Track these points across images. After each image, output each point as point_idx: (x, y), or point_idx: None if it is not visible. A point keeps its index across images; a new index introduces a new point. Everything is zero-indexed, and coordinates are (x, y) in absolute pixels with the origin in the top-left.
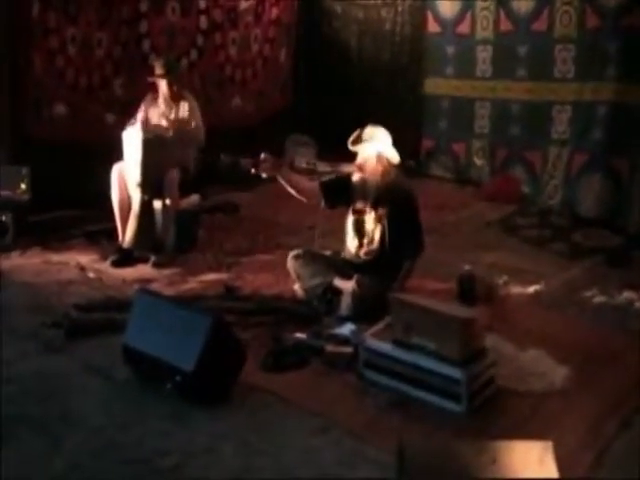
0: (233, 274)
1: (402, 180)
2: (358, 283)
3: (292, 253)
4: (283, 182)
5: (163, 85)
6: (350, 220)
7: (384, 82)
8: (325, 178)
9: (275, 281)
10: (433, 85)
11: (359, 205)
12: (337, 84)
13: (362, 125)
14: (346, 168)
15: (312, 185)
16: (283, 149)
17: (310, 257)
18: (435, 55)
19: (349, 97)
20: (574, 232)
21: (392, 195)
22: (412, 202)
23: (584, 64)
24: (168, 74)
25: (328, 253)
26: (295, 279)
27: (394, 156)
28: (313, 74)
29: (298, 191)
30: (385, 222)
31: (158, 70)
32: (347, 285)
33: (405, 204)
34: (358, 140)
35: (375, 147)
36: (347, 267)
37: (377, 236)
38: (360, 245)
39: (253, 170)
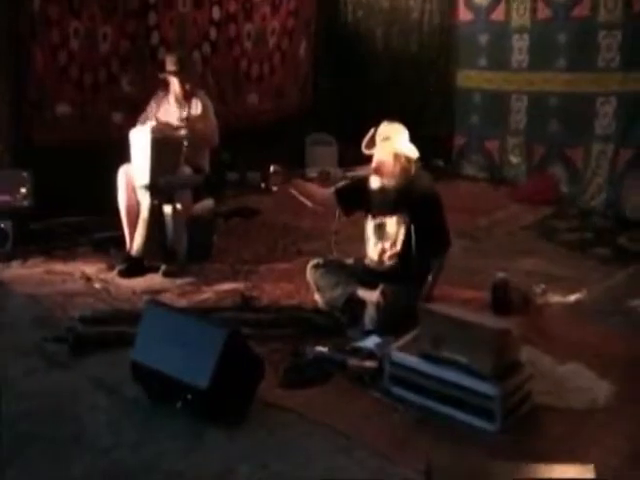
0: (250, 283)
1: (423, 178)
2: (383, 293)
3: (311, 263)
4: (296, 193)
5: (175, 83)
6: (370, 225)
7: (412, 75)
8: (340, 184)
9: (295, 290)
10: (465, 78)
11: (379, 210)
12: (361, 79)
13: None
14: (363, 171)
15: (326, 193)
16: (302, 149)
17: (331, 266)
18: (467, 45)
19: (374, 93)
20: (618, 235)
21: (413, 195)
22: (433, 199)
23: (630, 51)
24: (180, 71)
25: (350, 261)
26: (315, 290)
27: (412, 152)
28: (335, 69)
29: (312, 201)
30: (408, 223)
31: (169, 66)
32: (371, 296)
33: (426, 202)
34: (372, 143)
35: (391, 147)
36: (371, 276)
37: (400, 238)
38: (383, 250)
39: (263, 185)
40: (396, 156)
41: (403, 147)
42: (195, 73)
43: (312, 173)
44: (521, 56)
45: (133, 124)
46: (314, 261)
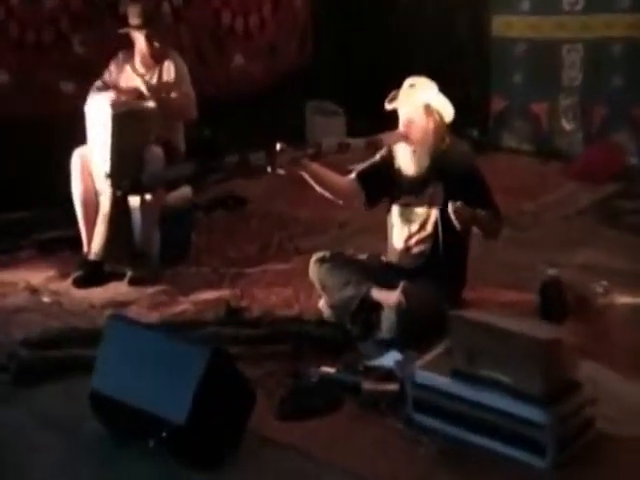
0: (238, 290)
1: (460, 145)
2: (405, 292)
3: (315, 256)
4: (309, 179)
5: (140, 40)
6: (396, 209)
7: (437, 24)
8: (361, 166)
9: (294, 297)
10: (504, 25)
11: (408, 187)
12: (373, 30)
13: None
14: (389, 138)
15: (346, 181)
16: (302, 121)
17: (340, 261)
18: None
19: (389, 47)
20: None
21: (449, 164)
22: (474, 169)
23: None
24: (147, 25)
25: (363, 256)
26: (320, 291)
27: (446, 107)
28: (342, 18)
29: (329, 190)
30: (442, 199)
31: (133, 20)
32: (390, 296)
33: (466, 173)
34: (395, 96)
35: (421, 97)
36: (390, 273)
37: (432, 218)
38: (410, 235)
39: (269, 168)
40: (428, 109)
41: (435, 98)
42: (165, 28)
43: (331, 147)
44: None
45: (88, 95)
46: (318, 255)
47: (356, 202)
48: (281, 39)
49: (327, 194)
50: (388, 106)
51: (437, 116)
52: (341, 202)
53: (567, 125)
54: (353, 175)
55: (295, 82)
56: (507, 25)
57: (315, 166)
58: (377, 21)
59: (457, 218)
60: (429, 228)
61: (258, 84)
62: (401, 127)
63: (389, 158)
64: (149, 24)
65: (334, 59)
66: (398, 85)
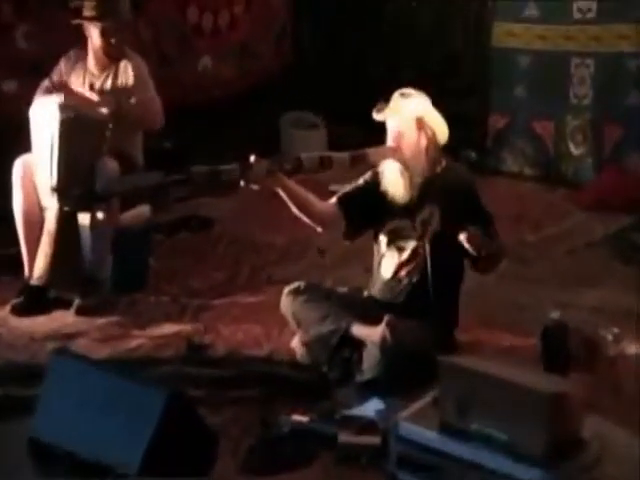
0: (201, 325)
1: (456, 166)
2: (390, 326)
3: (289, 288)
4: (285, 197)
5: (95, 35)
6: (384, 239)
7: (431, 29)
8: (344, 189)
9: (264, 335)
10: (506, 33)
11: (399, 212)
12: (359, 34)
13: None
14: (376, 153)
15: (327, 206)
16: (276, 133)
17: (316, 293)
18: None
19: (377, 53)
20: None
21: (445, 183)
22: (477, 195)
23: None
24: (104, 17)
25: (343, 289)
26: (293, 326)
27: (441, 126)
28: (324, 18)
29: (307, 214)
30: (436, 224)
31: (87, 11)
32: (373, 331)
33: (466, 197)
34: (385, 104)
35: (413, 107)
36: (373, 309)
37: (427, 246)
38: (400, 263)
39: (242, 182)
40: (420, 123)
41: (429, 112)
42: (125, 21)
43: (312, 161)
44: (585, 2)
45: (33, 96)
46: (292, 285)
47: (335, 228)
48: (255, 39)
49: (304, 217)
50: (376, 116)
51: (430, 132)
52: (319, 229)
53: (575, 148)
54: (334, 199)
55: (270, 88)
56: (509, 33)
57: (292, 184)
58: (364, 24)
59: (472, 246)
60: (423, 256)
61: (228, 89)
62: (390, 141)
63: (375, 181)
64: (106, 16)
65: (315, 64)
66: (386, 96)
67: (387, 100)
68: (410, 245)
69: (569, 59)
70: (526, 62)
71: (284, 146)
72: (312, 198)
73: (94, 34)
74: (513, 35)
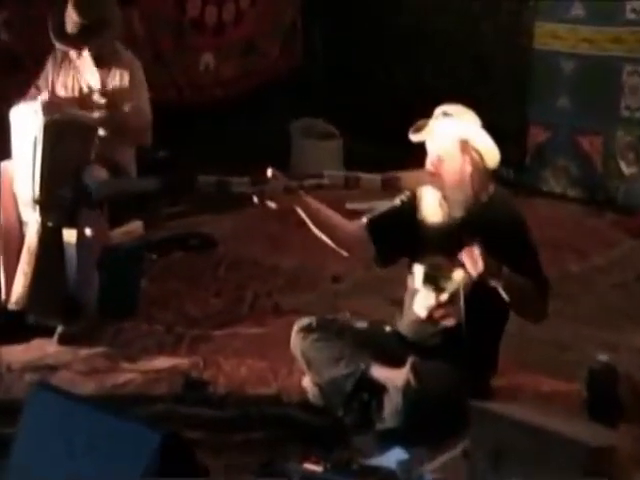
0: (199, 358)
1: (503, 195)
2: (415, 370)
3: (299, 324)
4: (306, 217)
5: (82, 55)
6: (420, 271)
7: (461, 28)
8: (375, 212)
9: (270, 371)
10: (548, 34)
11: (436, 245)
12: (378, 31)
13: (424, 103)
14: (412, 178)
15: (353, 227)
16: (286, 143)
17: (330, 330)
18: None
19: (399, 54)
20: None
21: (492, 217)
22: (523, 226)
23: None
24: (89, 40)
25: (361, 324)
26: (304, 368)
27: (491, 149)
28: (338, 13)
29: (332, 234)
30: (481, 263)
31: (71, 28)
32: (396, 375)
33: (515, 229)
34: (423, 125)
35: (456, 128)
36: (397, 347)
37: (468, 289)
38: (437, 304)
39: (255, 198)
40: (465, 147)
41: (477, 134)
42: (117, 28)
43: (333, 180)
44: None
45: (12, 92)
46: (302, 322)
47: (363, 255)
48: (261, 36)
49: (326, 240)
50: (413, 137)
51: (477, 156)
52: (344, 253)
53: (626, 167)
54: (363, 222)
55: (279, 92)
56: (552, 35)
57: (315, 202)
58: (383, 22)
59: (472, 265)
60: (462, 300)
61: (231, 92)
62: (429, 165)
63: (411, 205)
64: (92, 37)
65: (329, 65)
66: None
67: (411, 115)
68: (449, 286)
69: (620, 65)
70: (570, 68)
71: (294, 156)
72: (337, 219)
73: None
74: (556, 37)
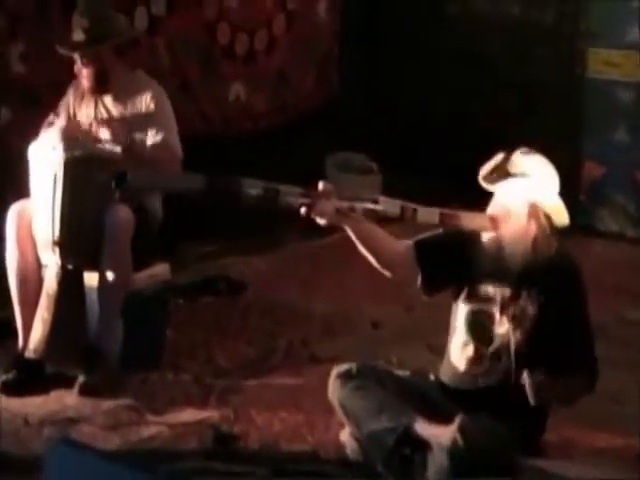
0: (230, 411)
1: (566, 252)
2: (463, 428)
3: (338, 370)
4: (353, 236)
5: (82, 71)
6: (464, 310)
7: (509, 56)
8: (426, 234)
9: (306, 425)
10: (603, 62)
11: (486, 290)
12: (421, 62)
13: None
14: (470, 220)
15: (402, 247)
16: (320, 177)
17: (371, 379)
18: (609, 4)
19: (442, 83)
20: None
21: (549, 276)
22: (581, 289)
23: None
24: (92, 44)
25: (405, 373)
26: (343, 419)
27: (561, 213)
28: (378, 42)
29: (378, 253)
30: (530, 321)
31: (77, 34)
32: (441, 432)
33: (570, 291)
34: (498, 173)
35: (527, 191)
36: (442, 400)
37: (513, 347)
38: (477, 357)
39: (303, 210)
40: (533, 210)
41: (547, 196)
42: (136, 44)
43: (388, 207)
44: None
45: (30, 127)
46: (341, 368)
47: (407, 277)
48: (295, 65)
49: (371, 258)
50: (484, 184)
51: (544, 220)
52: (387, 273)
53: None
54: (410, 242)
55: (313, 124)
56: (608, 62)
57: (364, 221)
58: (427, 49)
59: (536, 394)
60: (506, 357)
61: (262, 124)
62: (491, 210)
63: (462, 239)
64: (98, 42)
65: (367, 96)
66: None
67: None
68: (497, 338)
69: None
70: (628, 98)
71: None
72: (386, 237)
73: (82, 71)
74: (612, 65)
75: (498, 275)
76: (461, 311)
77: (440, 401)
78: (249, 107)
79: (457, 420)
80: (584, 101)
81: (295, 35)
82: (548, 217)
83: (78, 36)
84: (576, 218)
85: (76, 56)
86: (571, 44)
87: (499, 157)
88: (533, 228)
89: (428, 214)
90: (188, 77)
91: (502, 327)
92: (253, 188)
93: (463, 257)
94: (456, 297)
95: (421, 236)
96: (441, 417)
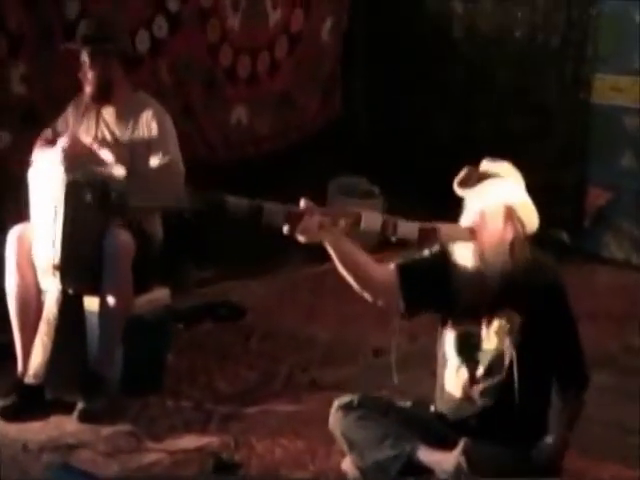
0: (230, 438)
1: (543, 259)
2: (467, 453)
3: (339, 401)
4: (333, 255)
5: (87, 69)
6: (451, 337)
7: (515, 81)
8: (406, 257)
9: (308, 452)
10: (609, 87)
11: (468, 309)
12: (426, 84)
13: (474, 161)
14: (449, 231)
15: (384, 270)
16: (323, 203)
17: (373, 408)
18: (615, 29)
19: (447, 107)
20: None
21: (531, 282)
22: (564, 298)
23: None
24: (101, 40)
25: (407, 403)
26: (345, 449)
27: (532, 216)
28: (382, 65)
29: (359, 276)
30: (517, 334)
31: (83, 29)
32: (445, 459)
33: (554, 301)
34: (471, 179)
35: (502, 192)
36: (443, 426)
37: (506, 360)
38: (472, 379)
39: (286, 228)
40: (509, 213)
41: (522, 201)
42: (138, 61)
43: (369, 222)
44: None
45: (30, 150)
46: (343, 399)
47: (387, 300)
48: (299, 88)
49: (352, 280)
50: (458, 190)
51: (519, 225)
52: (368, 297)
53: None
54: (392, 265)
55: (316, 148)
56: (614, 88)
57: (346, 240)
58: (431, 72)
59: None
60: (501, 372)
61: (264, 148)
62: (468, 221)
63: (443, 260)
64: (105, 38)
65: (371, 119)
66: (458, 160)
67: (458, 167)
68: (484, 358)
69: None
70: (634, 124)
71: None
72: (367, 259)
73: (87, 71)
74: (618, 90)
75: (480, 290)
76: (448, 338)
77: (442, 430)
78: (251, 130)
79: (460, 444)
80: (590, 126)
81: (298, 57)
82: (522, 225)
83: (89, 30)
84: (581, 244)
85: (84, 56)
86: (577, 69)
87: (468, 168)
88: (510, 232)
89: (408, 228)
90: (190, 99)
91: (490, 342)
92: (237, 205)
93: (443, 281)
94: (443, 325)
95: (403, 259)
96: (443, 445)
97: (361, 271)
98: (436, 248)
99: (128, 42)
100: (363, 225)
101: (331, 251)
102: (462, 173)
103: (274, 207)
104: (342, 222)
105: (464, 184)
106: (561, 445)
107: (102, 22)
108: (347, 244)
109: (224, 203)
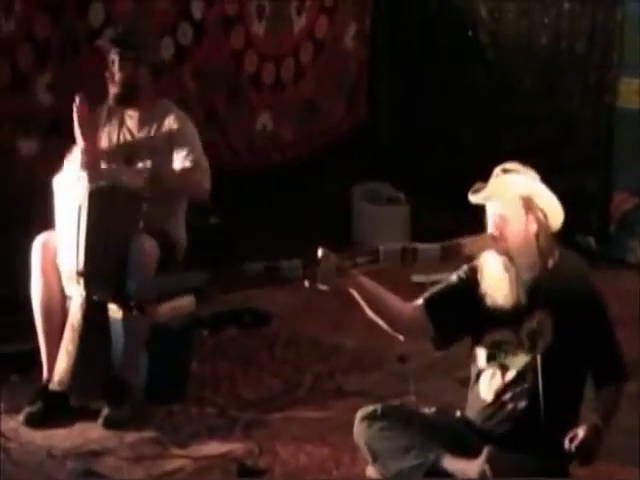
0: (255, 444)
1: (573, 259)
2: (491, 461)
3: (363, 412)
4: (359, 298)
5: (115, 68)
6: (482, 350)
7: (540, 86)
8: (432, 290)
9: (332, 459)
10: (635, 92)
11: (501, 333)
12: (451, 91)
13: (497, 166)
14: (473, 244)
15: (411, 308)
16: (347, 209)
17: (397, 419)
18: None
19: (472, 113)
20: None
21: (558, 283)
22: (597, 297)
23: None
24: (127, 43)
25: (431, 410)
26: (369, 460)
27: (554, 206)
28: (407, 71)
29: (386, 316)
30: (548, 336)
31: (109, 33)
32: (469, 467)
33: (588, 300)
34: (484, 185)
35: (514, 184)
36: (469, 436)
37: (538, 363)
38: (505, 385)
39: (306, 282)
40: (528, 204)
41: (538, 190)
42: (150, 60)
43: (388, 254)
44: None
45: (55, 158)
46: (366, 410)
47: (421, 337)
48: (324, 95)
49: (381, 322)
50: (473, 198)
51: (540, 215)
52: (400, 336)
53: None
54: (420, 301)
55: (340, 153)
56: (639, 92)
57: (368, 282)
58: (456, 78)
59: (582, 456)
60: (533, 376)
61: (289, 154)
62: (490, 228)
63: (471, 278)
64: (131, 42)
65: (396, 126)
66: (484, 169)
67: (486, 179)
68: (516, 363)
69: None
70: None
71: (356, 223)
72: (392, 299)
73: (115, 71)
74: None
75: (511, 296)
76: (480, 353)
77: (467, 437)
78: (276, 136)
79: (485, 452)
80: (615, 131)
81: (323, 64)
82: (545, 215)
83: (122, 32)
84: (607, 250)
85: (113, 55)
86: (602, 74)
87: (479, 183)
88: (533, 224)
89: (429, 251)
90: (215, 106)
91: (521, 346)
92: (253, 270)
93: (473, 303)
94: (474, 343)
95: (429, 293)
96: (467, 453)
97: (388, 313)
98: (464, 268)
99: (158, 52)
100: (382, 259)
101: (357, 296)
102: (474, 187)
103: (290, 264)
104: (361, 260)
105: (476, 191)
106: (596, 436)
107: (135, 28)
108: (369, 286)
109: (240, 272)
